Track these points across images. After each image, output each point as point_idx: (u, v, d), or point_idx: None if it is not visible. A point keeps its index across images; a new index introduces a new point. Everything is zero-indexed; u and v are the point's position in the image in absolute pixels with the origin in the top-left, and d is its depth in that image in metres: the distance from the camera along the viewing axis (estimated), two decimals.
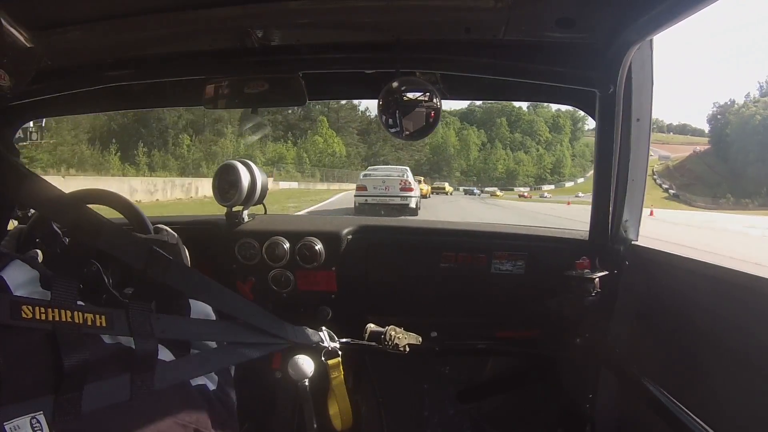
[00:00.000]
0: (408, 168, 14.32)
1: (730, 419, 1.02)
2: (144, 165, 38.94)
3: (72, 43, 1.23)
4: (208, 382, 0.92)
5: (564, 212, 21.34)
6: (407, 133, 1.27)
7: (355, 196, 12.51)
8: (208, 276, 0.92)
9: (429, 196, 24.76)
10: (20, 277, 0.74)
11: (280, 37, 1.26)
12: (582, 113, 1.57)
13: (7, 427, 0.62)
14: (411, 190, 12.23)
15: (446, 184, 44.60)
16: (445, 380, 1.90)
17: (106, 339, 0.79)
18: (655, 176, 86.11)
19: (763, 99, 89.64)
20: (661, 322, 1.32)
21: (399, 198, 11.88)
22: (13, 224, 1.19)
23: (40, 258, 1.09)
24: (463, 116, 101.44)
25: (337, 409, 1.24)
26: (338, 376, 1.22)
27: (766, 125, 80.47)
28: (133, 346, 0.78)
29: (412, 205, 11.90)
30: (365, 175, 12.71)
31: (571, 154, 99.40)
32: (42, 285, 0.75)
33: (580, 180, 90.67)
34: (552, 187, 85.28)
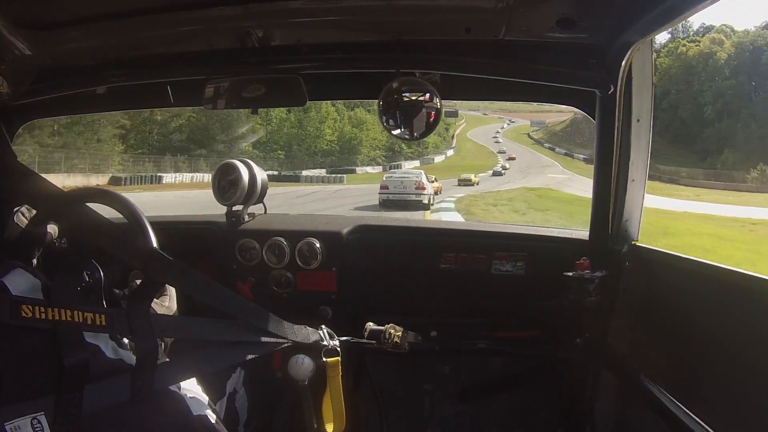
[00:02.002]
0: (423, 171, 18.12)
1: (730, 419, 1.02)
2: None
3: (72, 44, 1.23)
4: (210, 412, 0.92)
5: None
6: (407, 134, 1.28)
7: (380, 193, 15.97)
8: (208, 276, 0.92)
9: (440, 193, 23.40)
10: (22, 284, 0.74)
11: (280, 37, 1.26)
12: None
13: (7, 428, 0.62)
14: (424, 189, 15.62)
15: (473, 176, 37.23)
16: (445, 380, 1.90)
17: (108, 353, 0.79)
18: (545, 144, 59.22)
19: (711, 35, 57.57)
20: (661, 323, 1.32)
21: (414, 195, 15.28)
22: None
23: (55, 233, 1.07)
24: None
25: (330, 410, 1.24)
26: (335, 376, 1.21)
27: (738, 66, 51.69)
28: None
29: (425, 201, 15.26)
30: (388, 177, 16.72)
31: None
32: (44, 293, 0.76)
33: (450, 152, 60.50)
34: (416, 163, 53.63)
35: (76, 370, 0.70)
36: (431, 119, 1.26)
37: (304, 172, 37.80)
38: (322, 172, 39.72)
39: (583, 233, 1.62)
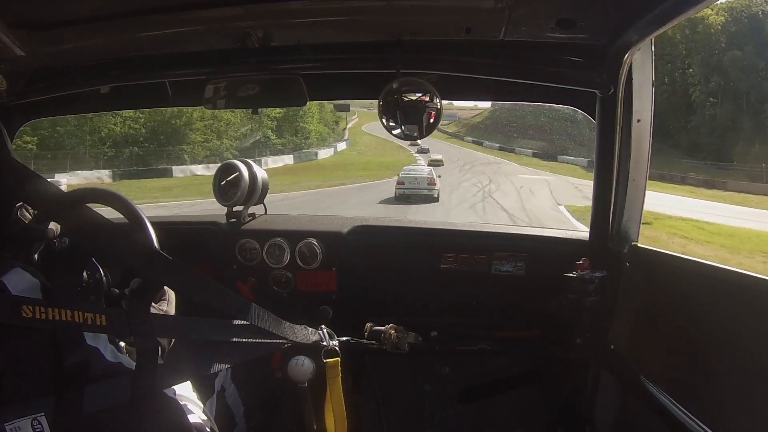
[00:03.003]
0: (433, 168, 19.97)
1: (730, 419, 1.02)
2: None
3: (72, 44, 1.23)
4: (205, 419, 0.92)
5: None
6: (407, 133, 1.28)
7: (396, 188, 17.82)
8: (208, 276, 0.92)
9: None
10: (21, 284, 0.74)
11: (280, 37, 1.25)
12: None
13: (8, 428, 0.62)
14: (435, 184, 17.62)
15: (440, 156, 32.37)
16: (445, 380, 1.90)
17: (108, 356, 0.79)
18: (466, 137, 46.03)
19: None
20: (661, 323, 1.31)
21: (426, 190, 17.20)
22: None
23: (57, 230, 1.06)
24: None
25: (332, 414, 1.23)
26: (335, 377, 1.20)
27: (740, 34, 36.33)
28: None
29: (435, 195, 17.26)
30: (403, 174, 18.52)
31: None
32: (43, 293, 0.76)
33: (341, 145, 42.80)
34: (288, 159, 32.58)
35: (76, 371, 0.70)
36: (431, 119, 1.26)
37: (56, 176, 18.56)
38: (104, 174, 22.57)
39: (583, 234, 1.62)
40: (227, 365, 1.04)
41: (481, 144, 45.05)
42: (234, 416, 1.45)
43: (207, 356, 0.95)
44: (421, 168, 20.01)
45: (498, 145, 42.27)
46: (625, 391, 1.46)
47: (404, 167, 20.90)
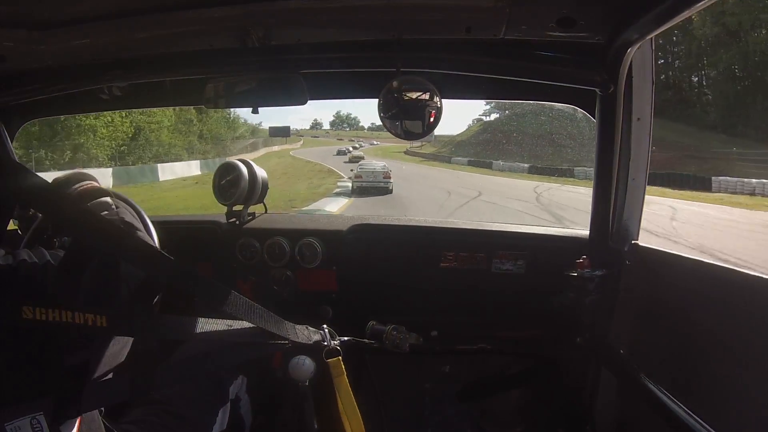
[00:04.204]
0: (385, 163, 21.07)
1: (730, 419, 1.02)
2: None
3: (72, 43, 1.23)
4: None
5: None
6: (409, 131, 1.28)
7: (353, 181, 18.72)
8: (208, 275, 0.92)
9: None
10: None
11: (281, 36, 1.26)
12: None
13: (7, 428, 0.62)
14: (389, 177, 18.73)
15: (361, 152, 33.62)
16: (445, 380, 1.91)
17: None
18: (453, 158, 34.16)
19: None
20: (661, 322, 1.32)
21: (382, 183, 18.19)
22: (13, 224, 1.17)
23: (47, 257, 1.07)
24: None
25: (344, 413, 1.22)
26: (341, 376, 1.20)
27: None
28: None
29: (390, 187, 18.29)
30: (360, 169, 19.56)
31: None
32: None
33: (179, 169, 22.95)
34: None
35: (75, 371, 0.70)
36: (431, 118, 1.26)
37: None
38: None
39: (583, 232, 1.62)
40: (227, 365, 1.04)
41: (488, 166, 29.81)
42: (244, 427, 1.45)
43: (207, 356, 0.95)
44: (376, 163, 21.21)
45: (527, 165, 26.34)
46: (626, 390, 1.46)
47: (360, 162, 22.04)
